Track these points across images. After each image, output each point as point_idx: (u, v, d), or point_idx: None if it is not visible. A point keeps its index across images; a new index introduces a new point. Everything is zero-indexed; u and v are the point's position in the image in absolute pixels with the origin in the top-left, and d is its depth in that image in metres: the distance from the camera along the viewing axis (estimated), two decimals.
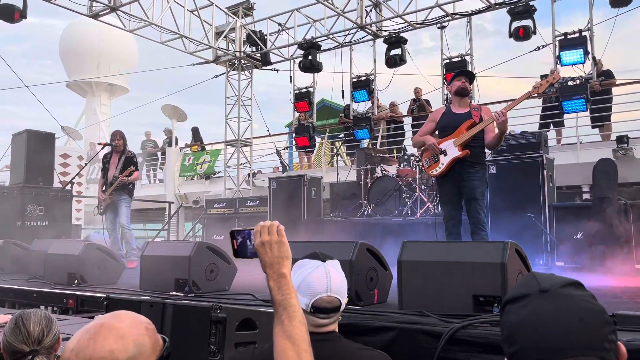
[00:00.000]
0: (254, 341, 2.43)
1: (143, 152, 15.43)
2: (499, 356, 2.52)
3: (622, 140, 8.65)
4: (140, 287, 4.39)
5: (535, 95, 4.35)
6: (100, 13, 9.51)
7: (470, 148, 4.37)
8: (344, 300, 1.67)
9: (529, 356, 0.92)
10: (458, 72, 4.62)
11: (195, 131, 15.03)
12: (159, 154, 15.61)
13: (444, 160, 4.42)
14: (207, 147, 14.61)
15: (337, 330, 1.68)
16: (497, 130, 4.32)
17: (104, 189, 6.75)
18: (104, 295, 3.22)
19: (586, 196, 9.19)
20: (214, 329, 2.31)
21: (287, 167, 13.93)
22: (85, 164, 9.45)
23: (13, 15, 8.19)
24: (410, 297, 3.12)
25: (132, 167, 6.66)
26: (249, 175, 12.32)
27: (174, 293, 4.01)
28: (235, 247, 1.44)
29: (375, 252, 3.51)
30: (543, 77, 10.07)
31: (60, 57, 23.29)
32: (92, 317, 3.09)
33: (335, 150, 12.88)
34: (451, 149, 4.40)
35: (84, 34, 21.29)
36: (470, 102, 4.59)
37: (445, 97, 9.56)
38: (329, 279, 1.63)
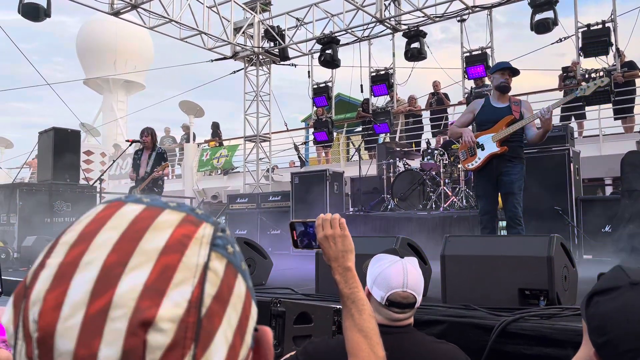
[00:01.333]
0: (310, 334, 2.48)
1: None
2: (551, 349, 2.56)
3: None
4: None
5: (581, 95, 4.29)
6: (122, 10, 9.59)
7: (508, 143, 4.31)
8: (420, 298, 1.69)
9: (621, 345, 0.97)
10: (502, 65, 4.42)
11: (215, 126, 15.12)
12: (177, 149, 15.72)
13: (481, 155, 4.36)
14: (225, 143, 14.69)
15: (412, 324, 1.72)
16: (540, 127, 4.21)
17: (134, 184, 6.85)
18: None
19: (609, 189, 9.14)
20: (274, 322, 2.36)
21: (305, 162, 13.98)
22: (113, 161, 9.54)
23: (37, 13, 8.28)
24: (454, 291, 3.15)
25: (164, 163, 6.78)
26: (267, 170, 12.39)
27: None
28: (295, 238, 1.46)
29: (415, 247, 3.54)
30: (564, 69, 10.02)
31: (77, 55, 23.50)
32: None
33: (353, 145, 12.90)
34: (489, 144, 4.34)
35: (101, 31, 21.47)
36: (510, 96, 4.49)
37: (468, 90, 9.51)
38: (406, 275, 1.65)
